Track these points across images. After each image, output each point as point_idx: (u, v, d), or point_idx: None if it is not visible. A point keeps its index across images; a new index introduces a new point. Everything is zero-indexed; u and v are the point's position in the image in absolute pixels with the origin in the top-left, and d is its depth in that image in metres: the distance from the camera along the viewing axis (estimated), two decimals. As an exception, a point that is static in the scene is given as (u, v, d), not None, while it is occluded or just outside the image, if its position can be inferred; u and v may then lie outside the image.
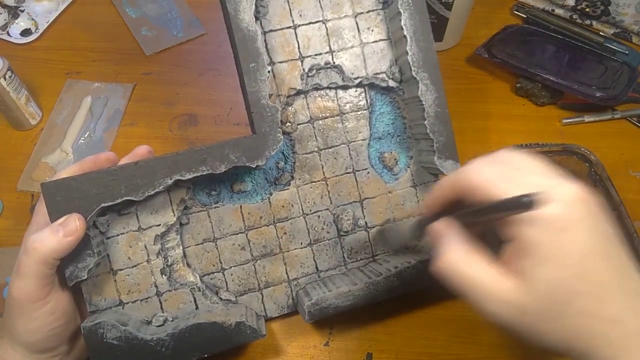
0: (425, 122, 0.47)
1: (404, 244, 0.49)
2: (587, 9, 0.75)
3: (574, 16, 0.77)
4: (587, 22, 0.77)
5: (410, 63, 0.46)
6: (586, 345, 0.28)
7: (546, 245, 0.28)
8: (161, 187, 0.42)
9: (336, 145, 0.49)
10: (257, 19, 0.46)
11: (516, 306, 0.29)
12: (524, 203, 0.27)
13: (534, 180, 0.29)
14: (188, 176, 0.42)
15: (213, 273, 0.47)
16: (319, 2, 0.48)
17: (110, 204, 0.41)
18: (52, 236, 0.38)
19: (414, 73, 0.46)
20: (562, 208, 0.28)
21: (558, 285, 0.28)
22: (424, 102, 0.47)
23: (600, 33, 0.76)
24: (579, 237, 0.28)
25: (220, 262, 0.47)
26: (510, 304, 0.29)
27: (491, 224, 0.31)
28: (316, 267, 0.49)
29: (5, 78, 0.61)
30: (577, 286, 0.28)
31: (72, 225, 0.39)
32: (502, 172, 0.30)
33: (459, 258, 0.31)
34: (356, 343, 0.49)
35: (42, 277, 0.38)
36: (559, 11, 0.78)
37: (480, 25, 0.77)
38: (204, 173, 0.43)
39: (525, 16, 0.78)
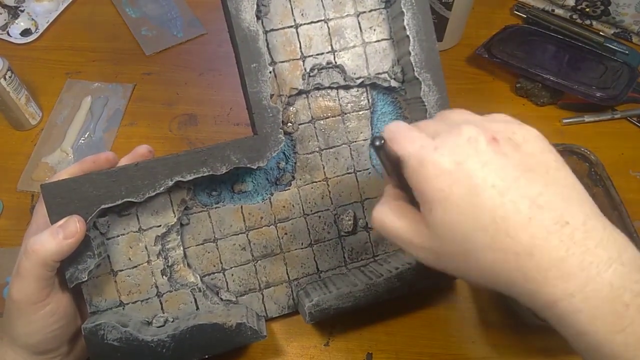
0: None
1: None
2: (587, 9, 0.75)
3: (574, 16, 0.77)
4: (587, 22, 0.77)
5: (413, 63, 0.46)
6: (505, 279, 0.28)
7: (432, 192, 0.29)
8: (162, 188, 0.42)
9: (337, 146, 0.49)
10: (258, 18, 0.46)
11: (429, 250, 0.31)
12: (373, 143, 0.30)
13: (446, 136, 0.30)
14: (189, 177, 0.42)
15: (214, 273, 0.47)
16: (321, 1, 0.47)
17: (110, 205, 0.41)
18: (52, 238, 0.38)
19: (416, 74, 0.46)
20: (442, 155, 0.29)
21: (451, 225, 0.29)
22: (426, 103, 0.46)
23: (600, 33, 0.76)
24: (464, 182, 0.28)
25: (221, 263, 0.47)
26: (425, 249, 0.31)
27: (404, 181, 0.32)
28: (317, 268, 0.49)
29: (5, 78, 0.61)
30: (469, 223, 0.28)
31: (72, 228, 0.38)
32: (406, 130, 0.32)
33: (383, 216, 0.33)
34: (356, 343, 0.49)
35: (42, 279, 0.38)
36: (559, 11, 0.78)
37: (480, 25, 0.77)
38: (204, 174, 0.42)
39: (525, 16, 0.78)
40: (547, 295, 0.27)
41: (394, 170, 0.33)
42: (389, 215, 0.33)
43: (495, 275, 0.28)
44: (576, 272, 0.26)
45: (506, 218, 0.27)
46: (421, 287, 0.46)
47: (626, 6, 0.72)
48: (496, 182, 0.28)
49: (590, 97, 0.64)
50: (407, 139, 0.31)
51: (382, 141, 0.31)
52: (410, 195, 0.33)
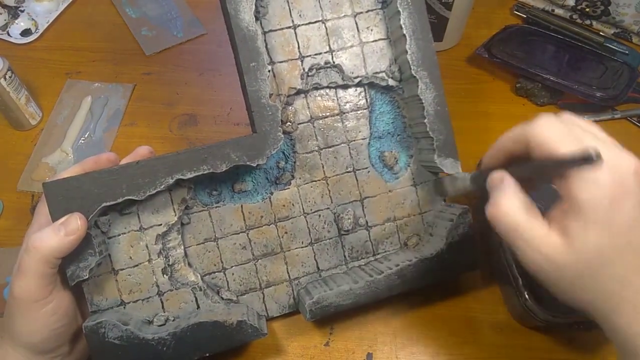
0: (425, 121, 0.47)
1: (463, 190, 0.47)
2: (587, 9, 0.75)
3: (574, 16, 0.77)
4: (587, 22, 0.77)
5: (410, 62, 0.46)
6: (612, 307, 0.30)
7: (597, 210, 0.29)
8: (162, 186, 0.42)
9: (336, 145, 0.49)
10: (257, 19, 0.46)
11: (556, 262, 0.31)
12: (586, 156, 0.29)
13: (597, 145, 0.30)
14: (189, 175, 0.42)
15: (214, 273, 0.47)
16: (319, 2, 0.48)
17: (111, 203, 0.41)
18: (53, 235, 0.38)
19: (413, 72, 0.46)
20: (619, 177, 0.29)
21: (600, 250, 0.30)
22: (423, 101, 0.47)
23: (600, 33, 0.76)
24: (629, 209, 0.29)
25: (222, 262, 0.47)
26: (551, 259, 0.31)
27: (547, 180, 0.33)
28: (317, 267, 0.49)
29: (5, 78, 0.61)
30: (617, 254, 0.30)
31: (74, 225, 0.39)
32: (569, 132, 0.32)
33: (512, 207, 0.33)
34: (356, 343, 0.49)
35: (43, 276, 0.38)
36: (559, 11, 0.78)
37: (480, 25, 0.77)
38: (205, 172, 0.43)
39: (525, 16, 0.78)
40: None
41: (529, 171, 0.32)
42: (518, 212, 0.32)
43: (603, 301, 0.31)
44: None
45: None
46: (421, 285, 0.46)
47: (626, 6, 0.72)
48: None
49: (590, 97, 0.64)
50: (576, 141, 0.31)
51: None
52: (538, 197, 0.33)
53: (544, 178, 0.34)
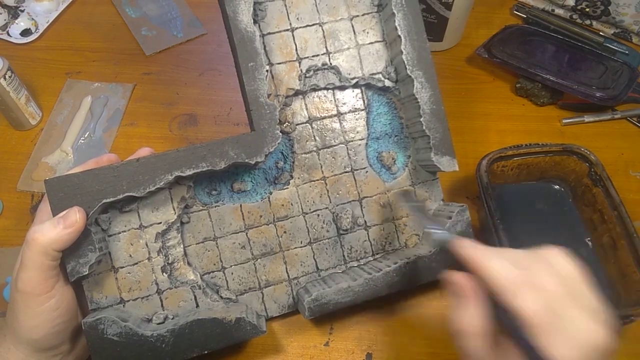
0: (421, 119, 0.47)
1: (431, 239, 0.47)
2: (587, 9, 0.75)
3: (574, 16, 0.77)
4: (587, 22, 0.77)
5: (405, 62, 0.47)
6: None
7: None
8: (162, 183, 0.42)
9: (334, 145, 0.49)
10: (255, 22, 0.47)
11: None
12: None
13: (574, 324, 0.29)
14: (188, 172, 0.43)
15: (213, 272, 0.47)
16: (316, 5, 0.49)
17: (112, 199, 0.41)
18: (52, 227, 0.38)
19: (408, 71, 0.47)
20: (581, 354, 0.29)
21: None
22: (419, 100, 0.47)
23: (600, 33, 0.76)
24: None
25: (221, 261, 0.47)
26: None
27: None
28: (316, 266, 0.49)
29: (5, 78, 0.61)
30: None
31: (72, 218, 0.39)
32: (549, 306, 0.30)
33: (470, 332, 0.32)
34: (356, 343, 0.49)
35: (44, 268, 0.38)
36: (559, 11, 0.78)
37: (480, 25, 0.77)
38: (204, 169, 0.43)
39: (525, 16, 0.78)
40: None
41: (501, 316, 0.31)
42: (479, 341, 0.32)
43: None
44: None
45: None
46: (420, 282, 0.47)
47: (626, 6, 0.72)
48: None
49: (590, 97, 0.64)
50: (531, 296, 0.30)
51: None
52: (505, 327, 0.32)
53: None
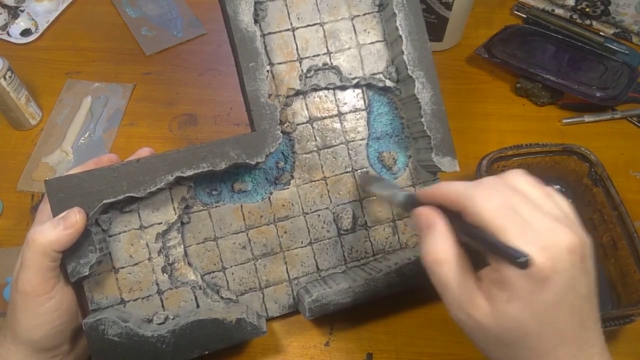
0: (422, 120, 0.47)
1: (387, 201, 0.47)
2: (587, 9, 0.75)
3: (574, 16, 0.77)
4: (587, 22, 0.77)
5: (406, 62, 0.47)
6: None
7: (523, 288, 0.29)
8: (162, 183, 0.42)
9: (335, 145, 0.49)
10: (256, 22, 0.47)
11: (480, 324, 0.31)
12: (517, 263, 0.28)
13: (538, 224, 0.30)
14: (189, 173, 0.43)
15: (214, 272, 0.47)
16: (317, 5, 0.48)
17: (112, 200, 0.41)
18: (52, 228, 0.38)
19: (409, 72, 0.47)
20: (548, 259, 0.29)
21: (520, 323, 0.30)
22: (420, 100, 0.47)
23: (600, 33, 0.76)
24: (555, 289, 0.29)
25: (221, 261, 0.47)
26: (476, 320, 0.31)
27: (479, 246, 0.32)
28: (317, 266, 0.49)
29: (5, 78, 0.61)
30: (538, 329, 0.30)
31: (72, 218, 0.39)
32: (508, 207, 0.30)
33: (446, 259, 0.32)
34: (356, 343, 0.49)
35: (44, 269, 0.38)
36: (559, 11, 0.78)
37: (480, 25, 0.77)
38: (204, 170, 0.43)
39: (525, 16, 0.78)
40: None
41: (470, 235, 0.31)
42: (448, 265, 0.32)
43: None
44: None
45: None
46: (421, 283, 0.46)
47: (626, 6, 0.72)
48: (576, 304, 0.30)
49: (590, 97, 0.64)
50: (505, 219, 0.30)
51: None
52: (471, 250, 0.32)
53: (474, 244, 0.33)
